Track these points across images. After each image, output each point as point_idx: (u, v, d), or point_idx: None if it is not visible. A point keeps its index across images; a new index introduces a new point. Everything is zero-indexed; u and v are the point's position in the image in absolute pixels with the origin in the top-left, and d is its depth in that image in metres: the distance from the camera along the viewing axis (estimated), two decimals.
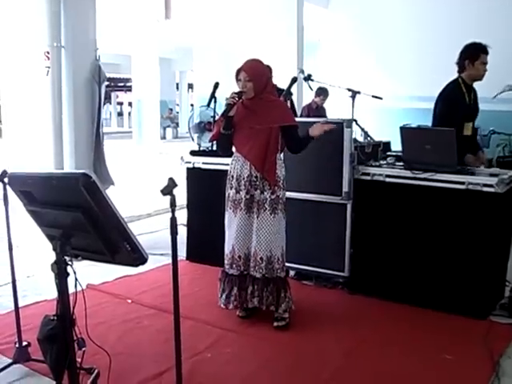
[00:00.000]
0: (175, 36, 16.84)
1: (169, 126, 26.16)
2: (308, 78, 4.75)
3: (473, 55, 4.55)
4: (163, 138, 24.00)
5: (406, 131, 4.21)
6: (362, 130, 4.59)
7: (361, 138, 4.74)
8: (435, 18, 8.61)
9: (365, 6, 9.62)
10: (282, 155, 3.94)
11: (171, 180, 2.24)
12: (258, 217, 3.81)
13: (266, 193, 3.81)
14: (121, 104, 37.05)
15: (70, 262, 2.51)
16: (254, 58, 3.93)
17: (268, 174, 3.80)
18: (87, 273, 4.59)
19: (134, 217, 7.49)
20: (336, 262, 4.50)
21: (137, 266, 2.48)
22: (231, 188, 3.91)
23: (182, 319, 3.93)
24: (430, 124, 4.64)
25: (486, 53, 4.56)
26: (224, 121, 3.82)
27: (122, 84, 31.71)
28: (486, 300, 4.06)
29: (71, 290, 2.54)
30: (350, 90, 4.44)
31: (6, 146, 6.02)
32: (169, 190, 2.21)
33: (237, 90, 3.81)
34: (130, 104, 30.05)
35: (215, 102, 5.33)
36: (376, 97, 4.46)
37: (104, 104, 5.56)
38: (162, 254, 5.65)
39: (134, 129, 20.00)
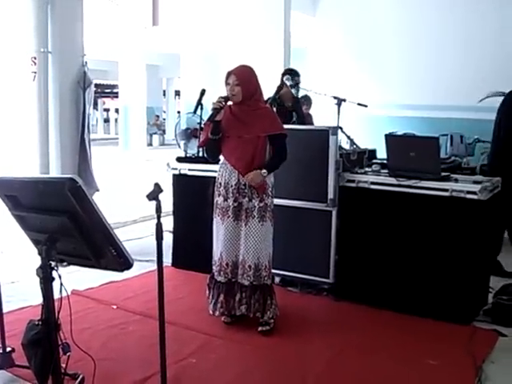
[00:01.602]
0: (162, 43, 16.82)
1: (155, 133, 26.08)
2: (294, 86, 4.78)
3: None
4: (150, 144, 23.93)
5: (390, 139, 4.26)
6: (348, 137, 4.63)
7: (347, 146, 4.78)
8: (423, 27, 8.69)
9: (352, 14, 9.70)
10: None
11: (157, 185, 2.25)
12: (246, 224, 3.81)
13: (254, 200, 3.81)
14: (107, 110, 36.92)
15: (55, 267, 2.51)
16: (245, 64, 3.95)
17: None
18: (72, 279, 4.57)
19: (120, 223, 7.46)
20: (321, 269, 4.52)
21: (122, 270, 2.49)
22: (219, 195, 3.92)
23: (167, 325, 3.91)
24: (417, 132, 4.70)
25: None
26: (212, 126, 3.82)
27: (108, 90, 31.63)
28: (470, 306, 4.10)
29: (56, 295, 2.54)
30: (335, 97, 4.48)
31: None
32: (154, 195, 2.23)
33: (224, 95, 3.82)
34: (116, 110, 29.97)
35: (201, 108, 5.32)
36: (361, 104, 4.51)
37: (90, 110, 5.54)
38: (147, 261, 5.64)
39: (120, 135, 19.96)
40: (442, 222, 4.08)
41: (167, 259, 5.48)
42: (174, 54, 15.23)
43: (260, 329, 3.87)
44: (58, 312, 2.54)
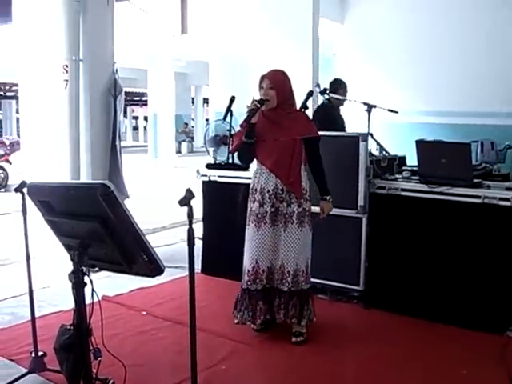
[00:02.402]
0: (191, 51, 16.96)
1: (184, 141, 26.28)
2: (324, 92, 4.77)
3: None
4: (178, 152, 24.09)
5: (421, 145, 4.21)
6: (378, 143, 4.59)
7: (376, 152, 4.74)
8: (449, 32, 8.61)
9: (379, 21, 9.65)
10: (306, 167, 3.87)
11: (189, 191, 2.25)
12: (285, 230, 3.76)
13: (292, 206, 3.76)
14: (136, 118, 37.33)
15: (86, 273, 2.53)
16: (279, 68, 3.90)
17: (294, 187, 3.76)
18: (102, 284, 4.61)
19: (149, 230, 7.50)
20: (351, 276, 4.48)
21: (153, 276, 2.50)
22: (254, 202, 3.85)
23: (197, 331, 3.97)
24: (447, 139, 4.65)
25: None
26: (247, 129, 3.76)
27: (137, 98, 31.98)
28: (504, 315, 4.01)
29: (88, 300, 2.56)
30: (365, 103, 4.45)
31: (24, 159, 6.10)
32: (186, 200, 2.23)
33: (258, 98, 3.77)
34: (145, 118, 30.25)
35: (231, 115, 5.35)
36: (392, 111, 4.47)
37: (121, 118, 5.61)
38: (177, 267, 5.66)
39: (149, 143, 20.13)
40: (475, 229, 4.01)
41: (196, 265, 5.49)
42: (203, 62, 15.30)
43: (294, 340, 3.80)
44: (90, 317, 2.55)
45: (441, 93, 8.37)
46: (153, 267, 2.44)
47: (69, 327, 2.54)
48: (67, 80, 5.17)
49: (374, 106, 4.45)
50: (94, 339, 2.66)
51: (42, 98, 5.41)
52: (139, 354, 3.61)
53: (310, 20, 8.53)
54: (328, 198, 3.88)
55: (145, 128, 31.32)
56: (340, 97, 4.94)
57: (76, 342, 2.48)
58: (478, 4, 8.11)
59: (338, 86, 5.96)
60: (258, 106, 3.72)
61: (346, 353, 3.71)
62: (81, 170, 5.38)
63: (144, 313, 4.38)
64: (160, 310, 4.41)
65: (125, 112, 34.73)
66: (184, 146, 26.20)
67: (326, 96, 4.78)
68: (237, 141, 3.93)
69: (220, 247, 5.33)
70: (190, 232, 2.33)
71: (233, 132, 5.43)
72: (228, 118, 5.36)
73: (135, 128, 37.46)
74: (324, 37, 9.63)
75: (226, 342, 3.79)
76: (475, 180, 4.11)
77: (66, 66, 5.16)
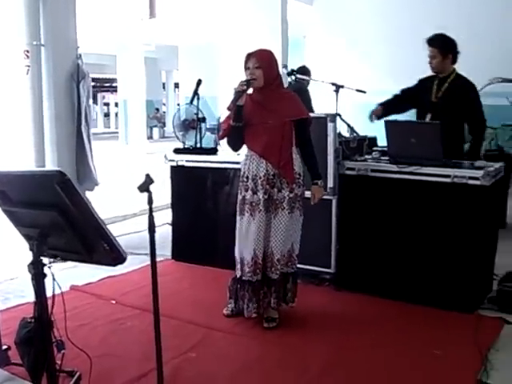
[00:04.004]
0: (160, 35, 16.75)
1: (155, 126, 26.06)
2: (291, 73, 4.69)
3: None
4: (150, 137, 23.89)
5: (390, 125, 4.17)
6: (347, 124, 4.55)
7: (347, 134, 4.69)
8: (423, 11, 8.59)
9: (349, 1, 9.60)
10: (297, 150, 3.74)
11: (148, 176, 2.18)
12: (275, 217, 3.66)
13: (283, 191, 3.65)
14: (107, 105, 36.86)
15: (49, 263, 2.46)
16: (264, 48, 3.77)
17: (285, 171, 3.64)
18: (71, 274, 4.54)
19: (120, 217, 7.42)
20: (322, 259, 4.46)
21: (115, 265, 2.42)
22: (247, 190, 3.70)
23: (167, 319, 3.91)
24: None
25: (429, 45, 4.62)
26: (235, 112, 3.61)
27: (108, 84, 31.56)
28: (474, 294, 4.03)
29: (51, 291, 2.48)
30: (333, 84, 4.40)
31: None
32: (146, 186, 2.16)
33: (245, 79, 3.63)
34: (116, 105, 29.89)
35: (198, 99, 5.27)
36: (360, 90, 4.43)
37: (90, 103, 5.47)
38: (146, 254, 5.53)
39: (120, 129, 19.89)
40: (445, 209, 4.00)
41: (167, 252, 5.43)
42: (173, 46, 15.14)
43: (266, 325, 3.75)
44: (51, 309, 2.47)
45: (414, 73, 8.33)
46: (114, 256, 2.36)
47: (29, 320, 2.45)
48: (29, 66, 5.01)
49: (342, 86, 4.40)
50: (58, 331, 2.59)
51: (2, 86, 5.25)
52: (107, 344, 3.54)
53: (278, 1, 8.45)
54: (319, 182, 3.78)
55: (116, 114, 30.94)
56: (307, 77, 4.86)
57: (37, 335, 2.39)
58: None
59: (305, 70, 5.95)
60: (245, 87, 3.57)
61: (319, 337, 3.67)
62: (46, 158, 5.24)
63: (113, 302, 4.30)
64: (129, 299, 4.33)
65: (95, 98, 34.25)
66: (155, 131, 25.99)
67: (293, 77, 4.70)
68: (225, 126, 3.78)
69: (190, 233, 5.27)
70: (151, 219, 2.27)
71: (200, 115, 5.37)
72: (195, 102, 5.29)
73: (106, 114, 36.96)
74: (293, 18, 9.56)
75: (197, 329, 3.73)
76: (445, 159, 4.09)
77: (27, 52, 5.00)
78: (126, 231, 6.63)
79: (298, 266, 4.42)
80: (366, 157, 4.46)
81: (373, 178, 4.23)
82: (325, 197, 4.34)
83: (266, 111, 3.64)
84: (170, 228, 5.46)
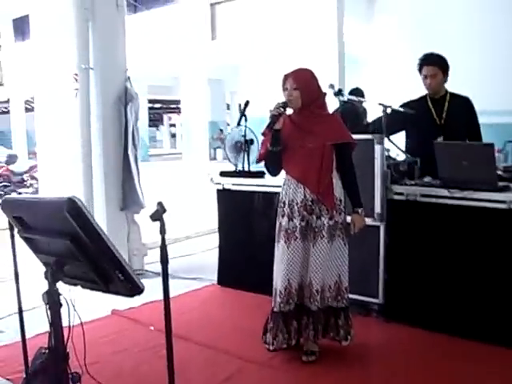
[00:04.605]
0: (224, 56, 16.88)
1: (219, 147, 26.21)
2: (339, 93, 4.51)
3: (418, 70, 4.53)
4: (213, 158, 24.05)
5: (439, 146, 3.92)
6: (397, 146, 4.33)
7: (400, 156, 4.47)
8: (493, 30, 8.24)
9: (409, 19, 9.34)
10: (338, 175, 3.53)
11: (160, 205, 2.06)
12: (314, 245, 3.45)
13: (323, 218, 3.44)
14: (173, 126, 37.50)
15: (63, 292, 2.38)
16: (304, 67, 3.59)
17: (324, 197, 3.44)
18: (114, 297, 4.49)
19: (171, 239, 7.37)
20: (370, 288, 4.23)
21: (132, 296, 2.33)
22: (283, 216, 3.53)
23: (202, 348, 3.83)
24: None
25: (428, 64, 4.44)
26: (271, 136, 3.46)
27: (174, 106, 32.12)
28: None
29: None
30: (381, 104, 4.19)
31: (40, 171, 6.06)
32: (158, 215, 2.04)
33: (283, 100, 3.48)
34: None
35: (246, 120, 5.17)
36: (407, 111, 4.19)
37: (137, 126, 5.46)
38: (193, 279, 5.51)
39: (183, 150, 20.12)
40: (501, 237, 3.70)
41: (213, 276, 5.32)
42: (236, 67, 15.22)
43: (305, 358, 3.54)
44: (67, 340, 2.38)
45: (478, 91, 7.99)
46: (130, 287, 2.27)
47: (43, 350, 2.36)
48: (77, 89, 5.06)
49: (389, 107, 4.18)
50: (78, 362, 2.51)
51: (54, 109, 5.34)
52: (139, 373, 3.45)
53: (334, 20, 8.31)
54: (360, 210, 3.57)
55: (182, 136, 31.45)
56: (356, 98, 4.67)
57: (50, 367, 2.30)
58: None
59: (358, 91, 5.76)
60: (282, 110, 3.43)
61: (362, 372, 3.45)
62: (94, 180, 5.26)
63: (151, 328, 4.20)
64: None
65: (161, 120, 34.94)
66: (219, 152, 26.13)
67: (341, 97, 4.52)
68: (263, 149, 3.63)
69: (237, 258, 5.13)
70: (163, 251, 2.13)
71: (248, 138, 5.26)
72: (243, 123, 5.19)
73: (173, 135, 37.58)
74: (351, 38, 9.39)
75: (231, 360, 3.58)
76: (501, 183, 3.81)
77: (76, 75, 5.05)
78: (176, 254, 6.59)
79: None
80: (417, 181, 4.21)
81: (423, 203, 3.99)
82: (372, 223, 4.15)
83: (304, 134, 3.46)
84: (216, 252, 5.36)
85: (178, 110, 33.37)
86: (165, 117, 35.63)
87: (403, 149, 4.45)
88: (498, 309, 3.73)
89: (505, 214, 3.66)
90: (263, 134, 3.57)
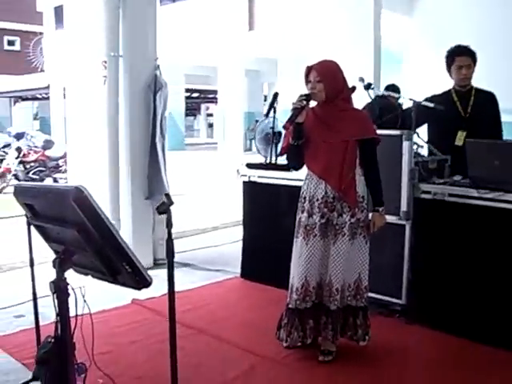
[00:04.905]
0: (260, 47, 16.79)
1: (254, 138, 26.12)
2: (368, 87, 4.39)
3: (448, 61, 4.47)
4: (249, 149, 23.98)
5: (471, 144, 3.78)
6: (426, 143, 4.20)
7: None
8: None
9: (451, 14, 9.10)
10: (361, 171, 3.43)
11: (167, 196, 2.00)
12: (334, 243, 3.35)
13: (344, 215, 3.34)
14: (211, 115, 37.56)
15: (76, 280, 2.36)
16: (329, 58, 3.47)
17: (346, 194, 3.33)
18: None
19: (199, 230, 7.37)
20: (393, 288, 4.12)
21: (140, 289, 2.29)
22: (303, 211, 3.44)
23: (218, 342, 3.77)
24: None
25: (462, 54, 4.36)
26: (293, 129, 3.37)
27: (211, 96, 32.12)
28: None
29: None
30: (411, 99, 4.06)
31: (70, 156, 6.09)
32: (164, 208, 1.98)
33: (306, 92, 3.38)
34: None
35: (274, 111, 5.10)
36: (437, 107, 4.05)
37: (166, 115, 5.42)
38: (217, 270, 5.48)
39: (218, 140, 20.12)
40: None
41: (237, 269, 5.27)
42: (274, 59, 15.12)
43: (321, 358, 3.45)
44: (74, 329, 2.36)
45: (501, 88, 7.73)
46: (138, 279, 2.23)
47: (50, 340, 2.34)
48: (106, 76, 5.06)
49: (420, 103, 4.05)
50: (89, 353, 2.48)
51: (83, 97, 5.35)
52: (152, 365, 3.40)
53: (371, 13, 8.14)
54: (381, 209, 3.46)
55: None
56: (386, 92, 4.55)
57: (54, 357, 2.28)
58: None
59: (394, 88, 5.65)
60: (304, 103, 3.32)
61: (379, 374, 3.35)
62: (120, 168, 5.26)
63: None
64: (187, 317, 4.17)
65: (199, 109, 35.03)
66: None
67: (371, 91, 4.40)
68: (285, 142, 3.55)
69: (261, 251, 5.06)
70: (169, 244, 2.07)
71: (276, 130, 5.18)
72: (271, 115, 5.12)
73: (210, 125, 37.66)
74: (391, 31, 9.21)
75: (246, 356, 3.52)
76: None
77: (105, 62, 5.04)
78: (201, 245, 6.57)
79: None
80: (446, 179, 4.07)
81: (450, 203, 3.86)
82: (398, 222, 4.04)
83: (327, 128, 3.36)
84: (240, 245, 5.31)
85: (215, 100, 33.47)
86: (202, 106, 35.73)
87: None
88: None
89: None
90: (284, 127, 3.48)
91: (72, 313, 2.34)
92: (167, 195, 2.03)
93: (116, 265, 2.20)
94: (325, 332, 3.46)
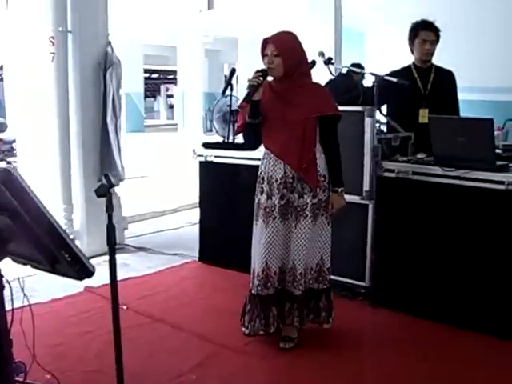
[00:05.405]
0: (219, 27, 16.48)
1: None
2: (328, 62, 4.21)
3: (411, 35, 4.35)
4: (210, 130, 23.70)
5: (434, 121, 3.65)
6: (389, 120, 4.07)
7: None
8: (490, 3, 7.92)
9: None
10: (322, 149, 3.24)
11: (107, 178, 1.80)
12: (296, 226, 3.19)
13: (305, 196, 3.18)
14: (171, 97, 37.04)
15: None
16: (286, 30, 3.25)
17: (307, 174, 3.16)
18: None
19: (158, 212, 7.15)
20: (356, 270, 4.00)
21: (81, 279, 2.09)
22: (262, 193, 3.26)
23: (176, 330, 3.60)
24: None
25: (427, 29, 4.25)
26: (249, 107, 3.16)
27: (171, 76, 31.64)
28: None
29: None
30: (373, 74, 3.91)
31: (17, 138, 5.81)
32: (103, 190, 1.78)
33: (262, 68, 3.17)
34: None
35: (231, 89, 4.91)
36: (401, 82, 3.90)
37: (120, 94, 5.15)
38: (175, 254, 5.29)
39: (178, 121, 19.80)
40: (497, 220, 3.44)
41: (195, 253, 5.09)
42: (234, 39, 14.89)
43: (282, 345, 3.30)
44: (10, 326, 2.15)
45: (479, 67, 7.68)
46: (78, 268, 2.02)
47: None
48: (54, 53, 4.76)
49: (382, 77, 3.90)
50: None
51: (27, 75, 5.03)
52: (103, 358, 3.15)
53: None
54: (340, 190, 3.29)
55: None
56: (349, 68, 4.35)
57: None
58: None
59: (359, 67, 5.51)
60: (261, 79, 3.11)
61: (342, 361, 3.22)
62: (71, 150, 5.00)
63: (124, 307, 3.93)
64: (143, 305, 4.00)
65: (159, 90, 34.46)
66: None
67: (331, 66, 4.22)
68: (241, 120, 3.32)
69: (219, 234, 4.89)
70: (110, 229, 1.88)
71: (234, 108, 4.99)
72: (228, 92, 4.94)
73: (171, 106, 37.14)
74: (353, 11, 9.05)
75: (204, 345, 3.34)
76: (500, 163, 3.55)
77: (53, 38, 4.74)
78: (160, 228, 6.37)
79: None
80: (410, 157, 3.94)
81: (414, 181, 3.73)
82: (360, 201, 3.91)
83: (285, 105, 3.17)
84: (197, 228, 5.13)
85: (175, 81, 32.98)
86: (162, 87, 35.17)
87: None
88: (491, 297, 3.49)
89: (502, 196, 3.40)
90: (240, 106, 3.30)
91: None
92: (106, 176, 1.83)
93: (54, 253, 2.00)
94: (290, 319, 3.31)
